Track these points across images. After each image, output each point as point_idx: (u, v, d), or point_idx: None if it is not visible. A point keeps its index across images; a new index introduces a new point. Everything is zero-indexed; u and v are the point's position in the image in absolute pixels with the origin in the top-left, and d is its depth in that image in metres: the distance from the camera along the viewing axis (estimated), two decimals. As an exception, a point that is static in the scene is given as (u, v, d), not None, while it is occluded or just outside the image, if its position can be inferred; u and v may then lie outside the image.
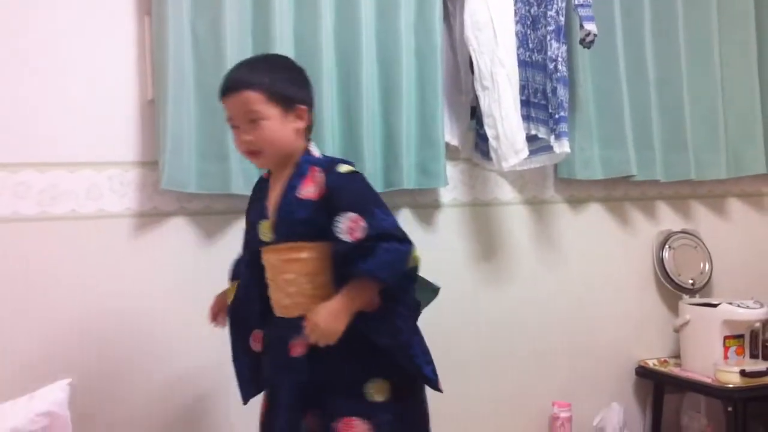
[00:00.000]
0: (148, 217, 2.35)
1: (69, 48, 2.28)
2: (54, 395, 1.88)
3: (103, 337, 2.29)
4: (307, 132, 1.90)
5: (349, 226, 1.72)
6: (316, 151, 1.89)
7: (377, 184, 2.50)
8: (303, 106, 1.86)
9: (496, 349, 2.81)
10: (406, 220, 2.68)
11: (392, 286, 1.76)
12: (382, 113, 2.55)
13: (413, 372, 1.83)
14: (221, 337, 2.19)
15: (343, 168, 1.83)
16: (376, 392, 1.78)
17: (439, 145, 2.59)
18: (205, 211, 2.42)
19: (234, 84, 1.82)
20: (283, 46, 2.35)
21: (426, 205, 2.73)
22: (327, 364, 1.77)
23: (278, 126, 1.81)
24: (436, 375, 1.87)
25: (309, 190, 1.79)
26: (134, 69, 2.35)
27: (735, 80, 3.19)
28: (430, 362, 1.87)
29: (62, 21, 2.27)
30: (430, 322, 2.62)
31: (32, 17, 2.24)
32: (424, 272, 2.57)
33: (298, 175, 1.82)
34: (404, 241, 1.75)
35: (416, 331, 1.87)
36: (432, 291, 2.06)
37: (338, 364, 1.77)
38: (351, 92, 2.48)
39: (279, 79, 1.84)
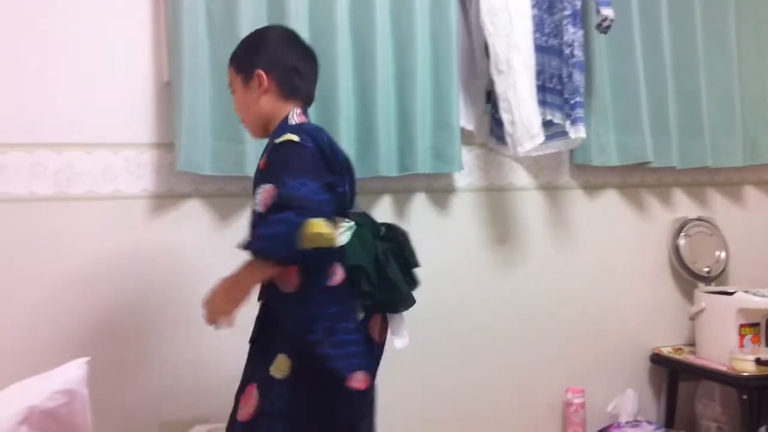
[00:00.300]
0: (164, 198, 2.36)
1: (86, 30, 2.29)
2: (72, 373, 1.89)
3: (117, 317, 2.30)
4: (291, 96, 1.87)
5: (263, 197, 1.71)
6: (295, 119, 1.83)
7: (392, 168, 2.51)
8: (259, 71, 1.85)
9: (510, 334, 2.81)
10: (420, 204, 2.69)
11: (280, 260, 1.67)
12: (397, 97, 2.54)
13: (316, 360, 1.70)
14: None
15: (282, 137, 1.73)
16: (276, 368, 1.72)
17: (454, 130, 2.58)
18: (220, 193, 2.42)
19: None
20: (298, 26, 2.34)
21: (441, 190, 2.73)
22: (260, 329, 1.82)
23: (242, 95, 1.88)
24: (349, 368, 1.71)
25: (262, 160, 1.79)
26: (150, 51, 2.36)
27: (752, 67, 3.17)
28: (345, 356, 1.71)
29: (79, 2, 2.28)
30: (443, 307, 2.66)
31: (49, -1, 2.26)
32: (439, 256, 2.63)
33: (268, 144, 1.82)
34: (302, 211, 1.59)
35: (334, 318, 1.72)
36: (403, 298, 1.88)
37: (263, 332, 1.81)
38: (366, 75, 2.48)
39: (239, 48, 1.91)
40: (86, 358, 1.93)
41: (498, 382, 2.78)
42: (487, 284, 2.78)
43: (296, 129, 1.76)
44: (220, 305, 1.72)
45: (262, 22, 2.34)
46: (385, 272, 1.78)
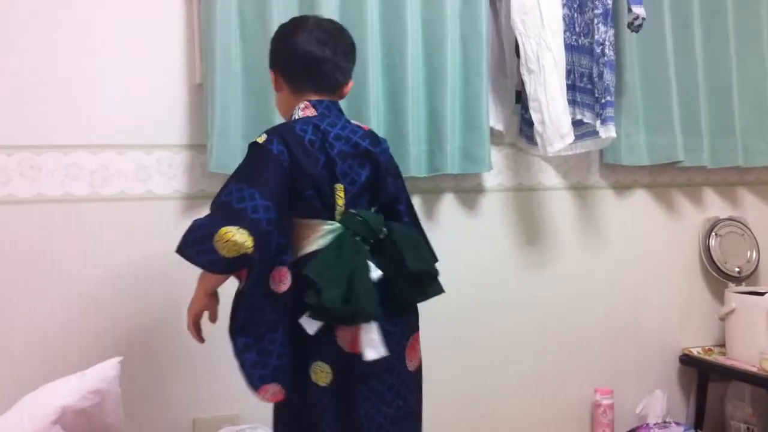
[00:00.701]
0: (196, 199, 2.37)
1: (120, 32, 2.31)
2: (105, 373, 1.92)
3: (150, 317, 2.33)
4: (301, 89, 1.86)
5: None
6: (299, 113, 1.83)
7: (421, 169, 2.52)
8: (271, 69, 1.90)
9: (539, 334, 2.81)
10: (449, 204, 2.69)
11: (205, 266, 1.68)
12: (427, 97, 2.54)
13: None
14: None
15: (254, 139, 1.77)
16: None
17: (483, 130, 2.57)
18: (251, 194, 2.43)
19: None
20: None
21: (470, 190, 2.72)
22: None
23: (276, 96, 1.95)
24: (261, 379, 1.70)
25: None
26: (183, 53, 2.37)
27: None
28: (262, 366, 1.71)
29: (114, 5, 2.30)
30: (472, 307, 2.66)
31: (82, 2, 2.27)
32: (468, 256, 2.63)
33: None
34: (215, 218, 1.65)
35: (268, 325, 1.72)
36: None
37: None
38: (396, 76, 2.48)
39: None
40: (119, 358, 1.97)
41: (526, 382, 2.78)
42: (516, 284, 2.78)
43: (273, 129, 1.79)
44: (191, 305, 1.81)
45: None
46: (352, 283, 1.70)
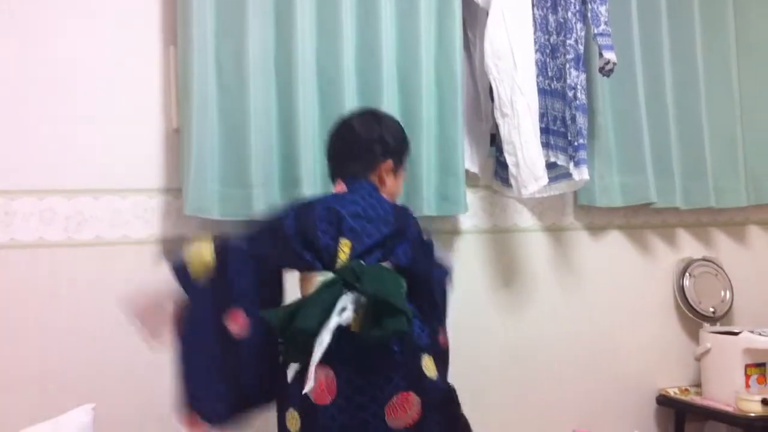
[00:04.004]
0: (172, 243, 2.38)
1: (97, 77, 2.33)
2: (79, 420, 1.91)
3: (125, 363, 2.30)
4: (333, 179, 2.05)
5: None
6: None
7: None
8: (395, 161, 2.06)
9: (516, 376, 2.81)
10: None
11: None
12: (403, 140, 2.57)
13: None
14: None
15: None
16: None
17: (459, 172, 2.60)
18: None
19: None
20: (306, 75, 2.40)
21: (446, 231, 2.74)
22: None
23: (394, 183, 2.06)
24: (182, 411, 1.84)
25: None
26: (159, 98, 2.39)
27: (754, 107, 3.19)
28: (184, 392, 1.85)
29: (90, 50, 2.32)
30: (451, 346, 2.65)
31: (60, 46, 2.29)
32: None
33: None
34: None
35: (196, 353, 1.86)
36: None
37: None
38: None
39: None
40: (92, 405, 1.95)
41: (503, 424, 2.77)
42: (491, 326, 2.78)
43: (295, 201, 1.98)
44: None
45: (270, 73, 2.39)
46: (300, 306, 1.74)
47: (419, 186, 2.55)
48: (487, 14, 2.55)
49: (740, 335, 2.78)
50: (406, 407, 1.82)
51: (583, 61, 2.66)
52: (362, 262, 1.80)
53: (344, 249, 1.82)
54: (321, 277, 1.80)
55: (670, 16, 3.02)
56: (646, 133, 2.93)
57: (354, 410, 1.73)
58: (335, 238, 1.82)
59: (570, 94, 2.63)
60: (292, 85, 2.39)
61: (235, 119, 2.33)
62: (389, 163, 2.00)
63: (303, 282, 1.88)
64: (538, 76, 2.64)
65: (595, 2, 2.63)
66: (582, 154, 2.63)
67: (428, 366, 1.83)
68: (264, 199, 2.35)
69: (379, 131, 2.03)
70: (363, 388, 1.75)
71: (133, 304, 1.90)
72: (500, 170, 2.74)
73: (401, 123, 2.46)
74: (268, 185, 2.37)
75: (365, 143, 2.01)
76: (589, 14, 2.63)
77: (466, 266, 2.76)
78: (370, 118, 2.07)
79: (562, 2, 2.64)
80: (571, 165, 2.64)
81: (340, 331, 1.70)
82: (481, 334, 2.75)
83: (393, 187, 2.02)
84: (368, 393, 1.75)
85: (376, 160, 1.99)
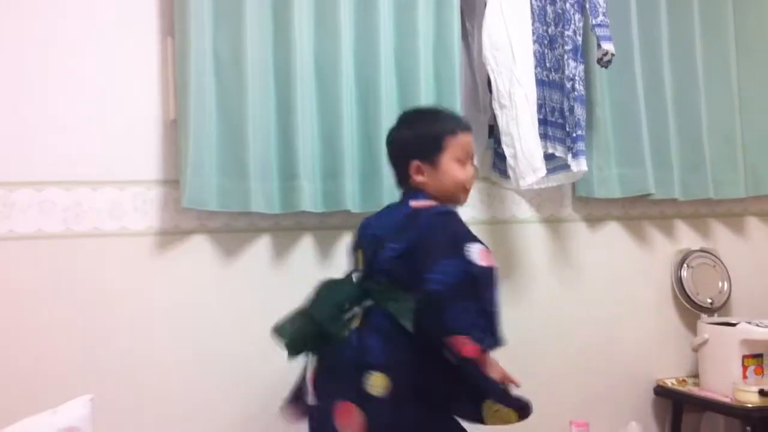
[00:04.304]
0: (170, 235, 2.38)
1: (95, 68, 2.32)
2: (76, 410, 1.90)
3: (123, 354, 2.31)
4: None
5: None
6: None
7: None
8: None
9: (513, 367, 2.78)
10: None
11: None
12: (401, 132, 2.56)
13: None
14: (238, 355, 2.22)
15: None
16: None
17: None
18: (225, 229, 2.44)
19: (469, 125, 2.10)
20: (303, 67, 2.39)
21: (444, 223, 2.73)
22: None
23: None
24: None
25: None
26: (157, 89, 2.39)
27: (753, 98, 3.19)
28: None
29: (88, 42, 2.32)
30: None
31: (58, 38, 2.28)
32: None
33: None
34: None
35: None
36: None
37: None
38: (370, 112, 2.50)
39: None
40: (90, 396, 1.94)
41: (502, 415, 2.77)
42: (490, 317, 2.78)
43: None
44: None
45: (268, 63, 2.39)
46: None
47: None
48: (485, 5, 2.54)
49: (738, 326, 2.78)
50: (348, 417, 1.84)
51: (582, 52, 2.66)
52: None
53: (360, 258, 2.05)
54: None
55: (669, 8, 3.02)
56: (645, 125, 2.93)
57: (321, 401, 1.91)
58: (356, 251, 2.09)
59: (568, 85, 2.62)
60: (289, 76, 2.38)
61: (233, 111, 2.33)
62: (415, 164, 2.01)
63: None
64: (536, 68, 2.63)
65: (593, -7, 2.63)
66: (580, 146, 2.62)
67: (375, 384, 1.82)
68: (262, 192, 2.36)
69: (397, 136, 2.11)
70: (321, 388, 1.92)
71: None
72: (498, 162, 2.74)
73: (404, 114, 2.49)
74: (266, 177, 2.37)
75: (391, 154, 2.13)
76: (587, 5, 2.63)
77: (464, 257, 2.76)
78: (395, 127, 2.14)
79: (561, -7, 2.64)
80: (570, 156, 2.64)
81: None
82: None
83: (434, 182, 2.01)
84: (325, 392, 1.91)
85: (403, 166, 2.05)
